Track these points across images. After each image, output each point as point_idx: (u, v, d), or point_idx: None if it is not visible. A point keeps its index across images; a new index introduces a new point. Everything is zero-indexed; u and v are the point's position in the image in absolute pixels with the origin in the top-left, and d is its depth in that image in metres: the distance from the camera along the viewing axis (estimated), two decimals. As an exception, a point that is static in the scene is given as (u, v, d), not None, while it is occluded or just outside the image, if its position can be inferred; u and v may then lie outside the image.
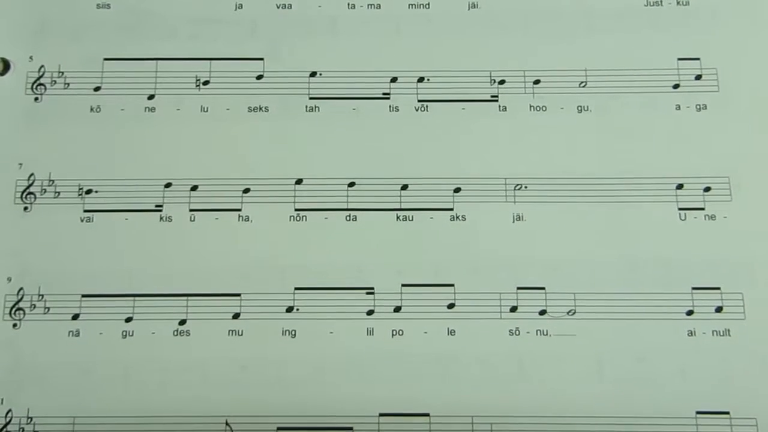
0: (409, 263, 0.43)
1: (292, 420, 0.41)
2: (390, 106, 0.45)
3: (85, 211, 0.44)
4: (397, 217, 0.44)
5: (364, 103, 0.45)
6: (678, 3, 0.46)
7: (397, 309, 0.43)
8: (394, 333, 0.42)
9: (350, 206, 0.44)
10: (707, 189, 0.44)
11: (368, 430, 0.41)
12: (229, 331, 0.42)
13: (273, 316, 0.43)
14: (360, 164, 0.44)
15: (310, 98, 0.45)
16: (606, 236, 0.43)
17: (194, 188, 0.44)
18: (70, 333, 0.43)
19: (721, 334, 0.42)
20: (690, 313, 0.42)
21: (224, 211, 0.44)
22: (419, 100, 0.45)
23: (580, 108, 0.45)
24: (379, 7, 0.46)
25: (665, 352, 0.42)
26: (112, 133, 0.45)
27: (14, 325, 0.43)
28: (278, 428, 0.41)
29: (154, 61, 0.46)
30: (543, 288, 0.43)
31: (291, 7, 0.47)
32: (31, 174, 0.44)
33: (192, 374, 0.42)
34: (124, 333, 0.43)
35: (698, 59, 0.45)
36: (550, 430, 0.41)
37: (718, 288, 0.42)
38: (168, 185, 0.44)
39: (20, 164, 0.45)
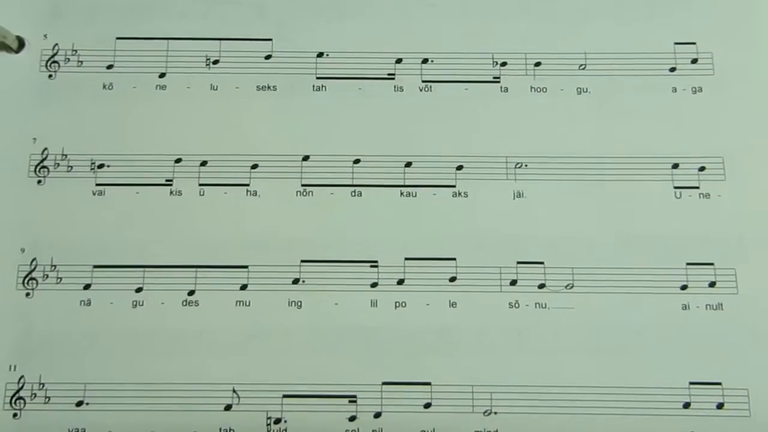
0: (413, 238, 0.44)
1: (297, 388, 0.43)
2: (395, 86, 0.47)
3: (97, 184, 0.45)
4: (401, 193, 0.45)
5: (370, 83, 0.47)
6: (675, -11, 0.48)
7: (401, 282, 0.44)
8: (397, 305, 0.44)
9: (355, 182, 0.45)
10: (702, 168, 0.45)
11: (371, 398, 0.42)
12: (236, 301, 0.44)
13: (279, 288, 0.44)
14: (365, 142, 0.46)
15: (317, 78, 0.47)
16: (603, 213, 0.44)
17: (204, 164, 0.45)
18: (82, 302, 0.44)
19: (714, 308, 0.43)
20: (684, 287, 0.44)
21: (233, 186, 0.45)
22: (423, 81, 0.47)
23: (579, 90, 0.46)
24: (385, -11, 0.48)
25: (660, 325, 0.43)
26: (124, 109, 0.46)
27: (27, 295, 0.44)
28: (284, 396, 0.42)
29: (166, 41, 0.47)
30: (542, 263, 0.44)
31: (299, -10, 0.48)
32: (45, 148, 0.46)
33: (200, 343, 0.43)
34: (135, 303, 0.44)
35: (694, 43, 0.47)
36: (548, 399, 0.42)
37: (712, 264, 0.44)
38: (178, 161, 0.45)
39: (34, 139, 0.46)
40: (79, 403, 0.42)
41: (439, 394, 0.42)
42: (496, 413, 0.42)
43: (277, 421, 0.42)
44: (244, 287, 0.44)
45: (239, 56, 0.47)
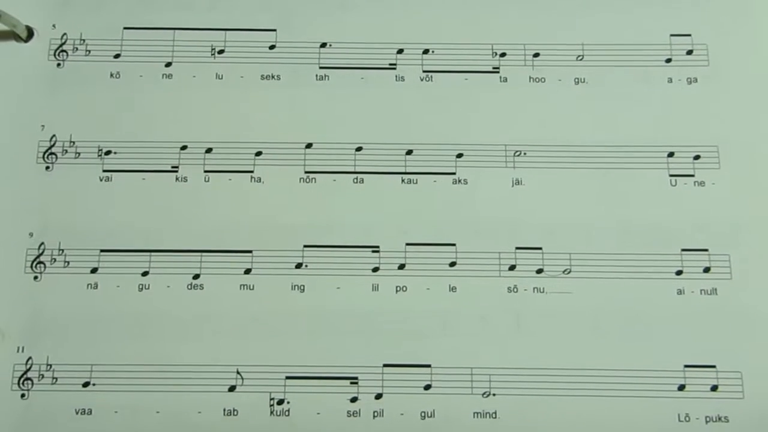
0: (413, 223, 0.45)
1: (299, 369, 0.43)
2: (396, 76, 0.47)
3: (104, 171, 0.46)
4: (402, 180, 0.46)
5: (372, 72, 0.48)
6: (671, -18, 0.49)
7: (402, 266, 0.45)
8: (398, 289, 0.44)
9: (357, 169, 0.46)
10: (697, 157, 0.46)
11: (372, 380, 0.43)
12: (240, 285, 0.44)
13: (283, 272, 0.45)
14: (367, 130, 0.47)
15: (320, 68, 0.48)
16: (600, 200, 0.45)
17: (209, 151, 0.46)
18: (89, 286, 0.45)
19: (709, 293, 0.44)
20: (679, 273, 0.44)
21: (237, 172, 0.46)
22: (424, 71, 0.47)
23: (577, 80, 0.47)
24: (387, -19, 0.49)
25: (655, 309, 0.44)
26: (131, 97, 0.47)
27: (35, 278, 0.45)
28: (287, 377, 0.43)
29: (172, 31, 0.48)
30: (540, 248, 0.45)
31: (303, -19, 0.49)
32: (53, 135, 0.47)
33: (205, 326, 0.44)
34: (141, 286, 0.45)
35: (689, 35, 0.48)
36: (546, 381, 0.43)
37: (706, 250, 0.45)
38: (184, 147, 0.46)
39: (42, 126, 0.47)
40: (86, 384, 0.43)
41: (439, 376, 0.43)
42: (494, 395, 0.43)
43: (280, 402, 0.43)
44: (248, 271, 0.45)
45: (244, 46, 0.48)
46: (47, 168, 0.46)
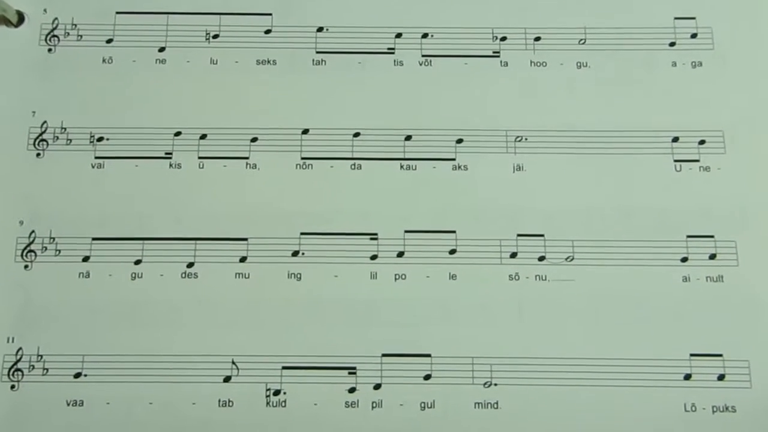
0: (412, 210, 0.44)
1: (296, 360, 0.42)
2: (395, 61, 0.47)
3: (97, 157, 0.45)
4: (401, 166, 0.45)
5: (370, 57, 0.47)
6: (674, -36, 0.48)
7: (400, 254, 0.44)
8: (397, 277, 0.43)
9: (355, 155, 0.45)
10: (702, 142, 0.45)
11: (371, 370, 0.42)
12: (236, 273, 0.43)
13: (279, 260, 0.44)
14: (365, 115, 0.46)
15: (317, 52, 0.47)
16: (604, 186, 0.44)
17: (203, 137, 0.45)
18: (81, 274, 0.44)
19: (715, 280, 0.43)
20: (684, 260, 0.43)
21: (232, 159, 0.45)
22: (423, 55, 0.47)
23: (579, 64, 0.46)
24: (384, -36, 0.48)
25: (660, 297, 0.43)
26: (124, 83, 0.46)
27: (26, 267, 0.44)
28: (283, 367, 0.42)
29: (165, 15, 0.47)
30: (542, 235, 0.44)
31: (299, -35, 0.48)
32: (44, 122, 0.46)
33: (199, 315, 0.43)
34: (133, 275, 0.44)
35: (694, 18, 0.47)
36: (548, 371, 0.42)
37: (712, 236, 0.44)
38: (178, 134, 0.45)
39: (33, 112, 0.46)
40: (78, 375, 0.42)
41: (439, 365, 0.42)
42: (496, 385, 0.42)
43: (277, 392, 0.42)
44: (243, 259, 0.44)
45: (239, 31, 0.47)
46: (38, 155, 0.45)
